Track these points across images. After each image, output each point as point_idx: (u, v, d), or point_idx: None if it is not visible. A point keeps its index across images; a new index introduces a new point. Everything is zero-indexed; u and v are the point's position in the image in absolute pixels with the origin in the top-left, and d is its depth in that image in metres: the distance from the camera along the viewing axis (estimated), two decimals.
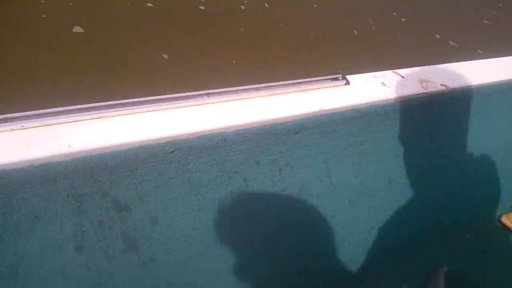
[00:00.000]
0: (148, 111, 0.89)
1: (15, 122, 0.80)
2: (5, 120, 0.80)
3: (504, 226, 1.66)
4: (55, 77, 1.88)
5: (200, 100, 0.92)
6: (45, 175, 0.79)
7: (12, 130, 0.80)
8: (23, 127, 0.80)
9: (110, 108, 0.86)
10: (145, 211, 0.93)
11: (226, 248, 1.06)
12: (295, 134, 0.96)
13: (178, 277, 1.05)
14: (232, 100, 0.94)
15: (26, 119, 0.80)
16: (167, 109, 0.90)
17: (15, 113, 0.82)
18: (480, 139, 1.24)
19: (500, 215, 1.68)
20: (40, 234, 0.85)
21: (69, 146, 0.80)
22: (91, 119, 0.85)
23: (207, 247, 1.03)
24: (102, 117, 0.86)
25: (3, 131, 0.80)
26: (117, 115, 0.86)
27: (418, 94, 1.03)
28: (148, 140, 0.86)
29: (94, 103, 0.86)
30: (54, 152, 0.79)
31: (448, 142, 1.18)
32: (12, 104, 1.64)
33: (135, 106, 0.88)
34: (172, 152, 0.88)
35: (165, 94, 0.91)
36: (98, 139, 0.83)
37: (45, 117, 0.82)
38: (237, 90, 0.94)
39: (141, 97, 0.89)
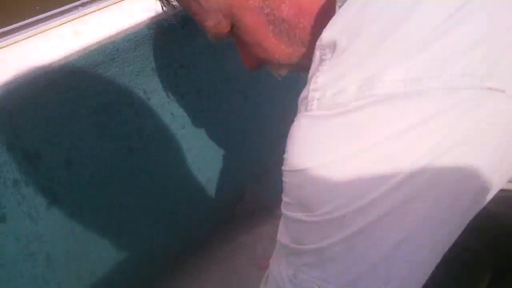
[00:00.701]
0: (26, 38, 0.77)
1: None
2: None
3: None
4: None
5: (77, 13, 0.83)
6: None
7: None
8: None
9: None
10: (57, 154, 0.83)
11: (144, 172, 1.01)
12: (182, 28, 0.94)
13: (106, 222, 0.98)
14: (108, 5, 0.87)
15: None
16: (45, 30, 0.79)
17: None
18: None
19: None
20: None
21: None
22: None
23: (128, 175, 0.97)
24: None
25: None
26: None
27: None
28: (38, 67, 0.75)
29: None
30: None
31: None
32: None
33: (8, 36, 0.76)
34: (66, 78, 0.79)
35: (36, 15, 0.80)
36: None
37: None
38: None
39: (14, 24, 0.77)
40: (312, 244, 0.42)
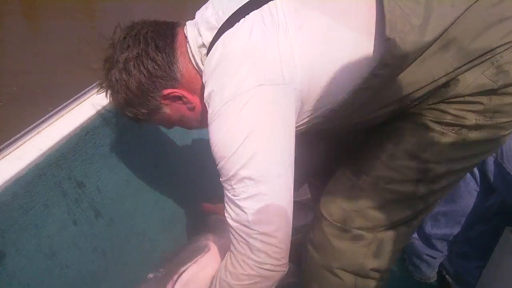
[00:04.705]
0: None
1: None
2: None
3: None
4: None
5: None
6: (36, 177, 1.14)
7: None
8: None
9: None
10: (91, 183, 1.33)
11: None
12: None
13: (130, 228, 1.46)
14: None
15: None
16: None
17: None
18: None
19: None
20: (53, 218, 1.17)
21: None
22: None
23: (138, 196, 1.48)
24: None
25: None
26: None
27: None
28: None
29: None
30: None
31: None
32: None
33: None
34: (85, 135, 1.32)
35: None
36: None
37: None
38: None
39: None
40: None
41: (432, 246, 1.69)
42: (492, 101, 0.96)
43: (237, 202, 0.92)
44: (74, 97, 1.40)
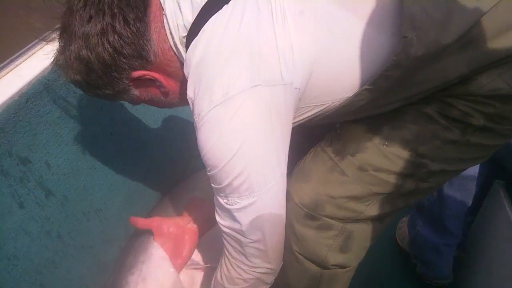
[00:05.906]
0: None
1: None
2: None
3: None
4: None
5: None
6: None
7: None
8: None
9: None
10: (38, 158, 1.14)
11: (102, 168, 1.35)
12: None
13: (88, 206, 1.29)
14: None
15: None
16: None
17: None
18: None
19: None
20: None
21: None
22: None
23: (94, 169, 1.30)
24: None
25: None
26: None
27: None
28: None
29: None
30: None
31: None
32: None
33: None
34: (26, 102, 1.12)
35: None
36: None
37: None
38: None
39: None
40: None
41: (446, 231, 1.51)
42: (504, 106, 0.86)
43: (232, 211, 0.86)
44: (10, 58, 1.19)
